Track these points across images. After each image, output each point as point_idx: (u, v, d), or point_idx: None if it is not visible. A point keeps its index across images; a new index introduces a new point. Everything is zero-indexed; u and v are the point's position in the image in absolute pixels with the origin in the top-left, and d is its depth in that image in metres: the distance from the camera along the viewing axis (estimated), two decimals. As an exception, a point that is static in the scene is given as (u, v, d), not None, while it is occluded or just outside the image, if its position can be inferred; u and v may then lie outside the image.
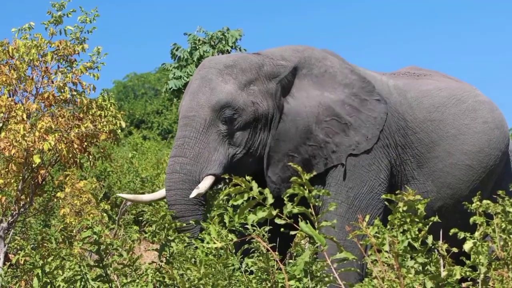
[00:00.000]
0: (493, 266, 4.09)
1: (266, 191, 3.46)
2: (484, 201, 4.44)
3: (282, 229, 3.69)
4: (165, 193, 5.96)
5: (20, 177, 7.35)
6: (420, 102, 6.53)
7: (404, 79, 6.80)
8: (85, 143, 7.39)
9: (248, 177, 3.50)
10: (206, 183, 5.84)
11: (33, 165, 7.32)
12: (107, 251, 4.60)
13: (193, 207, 5.85)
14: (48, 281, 4.51)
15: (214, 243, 4.55)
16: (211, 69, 6.13)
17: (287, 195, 3.51)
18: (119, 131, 7.59)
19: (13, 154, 7.04)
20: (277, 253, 4.10)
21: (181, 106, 6.18)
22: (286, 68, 6.23)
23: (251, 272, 4.81)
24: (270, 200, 3.43)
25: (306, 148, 6.12)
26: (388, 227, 3.85)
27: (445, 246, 3.95)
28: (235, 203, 3.48)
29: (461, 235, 4.24)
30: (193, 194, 5.75)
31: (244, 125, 6.03)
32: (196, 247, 4.89)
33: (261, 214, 3.40)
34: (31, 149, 7.03)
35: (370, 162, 6.23)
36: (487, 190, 6.53)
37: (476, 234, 4.18)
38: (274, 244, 5.14)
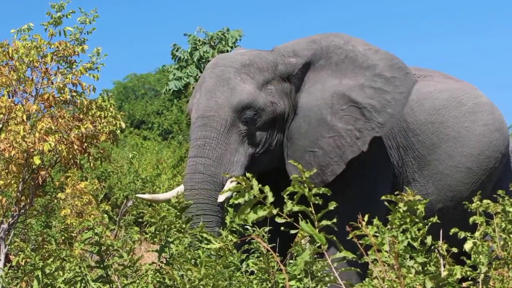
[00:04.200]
0: (493, 266, 4.10)
1: (266, 189, 3.45)
2: (484, 201, 4.45)
3: (282, 228, 3.69)
4: (185, 192, 5.85)
5: (20, 178, 7.35)
6: (421, 104, 6.50)
7: (404, 81, 6.77)
8: (85, 144, 7.38)
9: (248, 175, 3.49)
10: (231, 186, 5.73)
11: (33, 166, 7.32)
12: (108, 252, 4.59)
13: (216, 208, 5.77)
14: (49, 282, 4.50)
15: (214, 243, 4.54)
16: (228, 67, 6.01)
17: (287, 193, 3.51)
18: (119, 131, 7.57)
19: (13, 155, 7.04)
20: (277, 254, 4.10)
21: (194, 104, 6.06)
22: (296, 66, 6.13)
23: (252, 273, 4.81)
24: (271, 198, 3.43)
25: (327, 141, 6.02)
26: (388, 227, 3.85)
27: (445, 246, 3.95)
28: (235, 202, 3.47)
29: (461, 234, 4.24)
30: (222, 198, 5.69)
31: (263, 125, 5.96)
32: (199, 248, 4.88)
33: (262, 213, 3.40)
34: (31, 150, 7.03)
35: (373, 162, 6.21)
36: (486, 191, 6.52)
37: (477, 234, 4.19)
38: (274, 244, 5.13)
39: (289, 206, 3.45)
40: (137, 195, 6.41)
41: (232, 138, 5.88)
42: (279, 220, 3.51)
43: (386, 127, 6.04)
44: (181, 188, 6.01)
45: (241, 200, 3.47)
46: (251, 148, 5.95)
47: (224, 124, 5.86)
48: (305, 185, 3.53)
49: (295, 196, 3.52)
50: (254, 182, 3.45)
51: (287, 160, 6.06)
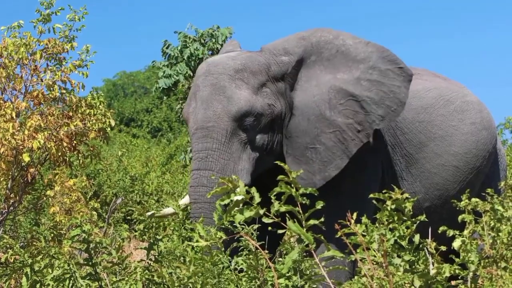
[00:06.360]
0: (482, 264, 4.11)
1: (253, 190, 3.45)
2: (473, 199, 4.46)
3: (270, 228, 3.69)
4: (191, 205, 5.85)
5: (10, 176, 7.32)
6: (409, 103, 6.48)
7: (393, 79, 6.77)
8: (75, 142, 7.35)
9: (234, 176, 3.50)
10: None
11: (23, 164, 7.29)
12: (97, 249, 4.59)
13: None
14: (37, 279, 4.49)
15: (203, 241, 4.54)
16: (221, 75, 5.94)
17: (274, 193, 3.51)
18: (109, 129, 7.56)
19: (2, 152, 7.02)
20: (266, 251, 4.10)
21: (191, 114, 6.01)
22: (289, 65, 6.08)
23: (241, 271, 4.80)
24: (257, 199, 3.43)
25: (329, 136, 6.01)
26: (377, 225, 3.86)
27: (434, 244, 3.96)
28: (222, 203, 3.48)
29: (450, 233, 4.26)
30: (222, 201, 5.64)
31: (263, 128, 5.93)
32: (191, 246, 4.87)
33: (248, 213, 3.40)
34: (21, 147, 7.00)
35: (363, 160, 6.21)
36: (474, 190, 6.53)
37: (465, 232, 4.20)
38: (263, 242, 5.12)
39: (276, 206, 3.45)
40: (148, 214, 6.28)
41: (234, 147, 5.85)
42: (266, 220, 3.51)
43: (386, 119, 6.05)
44: (186, 199, 6.01)
45: (228, 201, 3.48)
46: (253, 152, 5.92)
47: (224, 134, 5.82)
48: (292, 185, 3.54)
49: (282, 196, 3.53)
50: (241, 184, 3.45)
51: (287, 158, 6.04)
